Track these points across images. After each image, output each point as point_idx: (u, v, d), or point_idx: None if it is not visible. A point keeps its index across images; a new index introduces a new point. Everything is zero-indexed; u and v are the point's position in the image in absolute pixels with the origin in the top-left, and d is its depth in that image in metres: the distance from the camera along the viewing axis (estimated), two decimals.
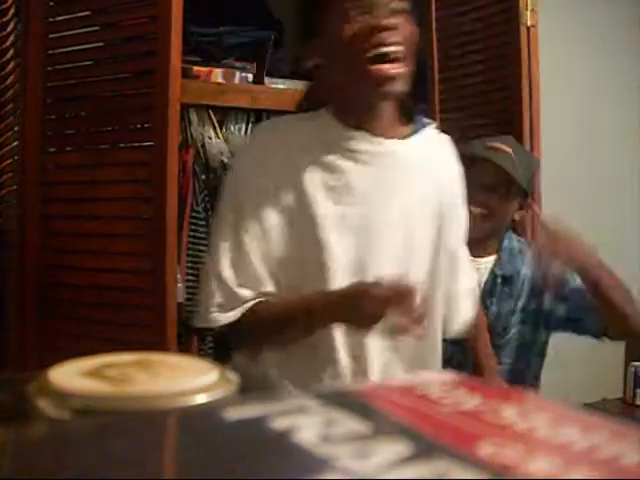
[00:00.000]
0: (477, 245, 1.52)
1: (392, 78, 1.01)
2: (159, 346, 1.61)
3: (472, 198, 1.33)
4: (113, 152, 1.78)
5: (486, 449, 0.27)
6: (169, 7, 1.66)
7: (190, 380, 0.45)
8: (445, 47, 2.29)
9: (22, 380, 0.46)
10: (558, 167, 2.73)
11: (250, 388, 0.46)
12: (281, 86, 2.38)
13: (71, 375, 0.45)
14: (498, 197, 1.62)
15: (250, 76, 2.32)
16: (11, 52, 1.83)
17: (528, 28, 2.08)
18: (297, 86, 2.41)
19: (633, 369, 2.80)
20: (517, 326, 1.66)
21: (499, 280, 1.67)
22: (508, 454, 0.27)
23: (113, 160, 1.77)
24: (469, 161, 1.39)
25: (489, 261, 1.68)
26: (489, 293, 1.66)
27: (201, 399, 0.43)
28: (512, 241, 1.72)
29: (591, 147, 2.83)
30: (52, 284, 1.81)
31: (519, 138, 2.07)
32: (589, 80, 2.81)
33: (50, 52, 1.83)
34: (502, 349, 1.63)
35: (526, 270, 1.66)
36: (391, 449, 0.26)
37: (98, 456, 0.27)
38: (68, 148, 1.85)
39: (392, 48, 1.00)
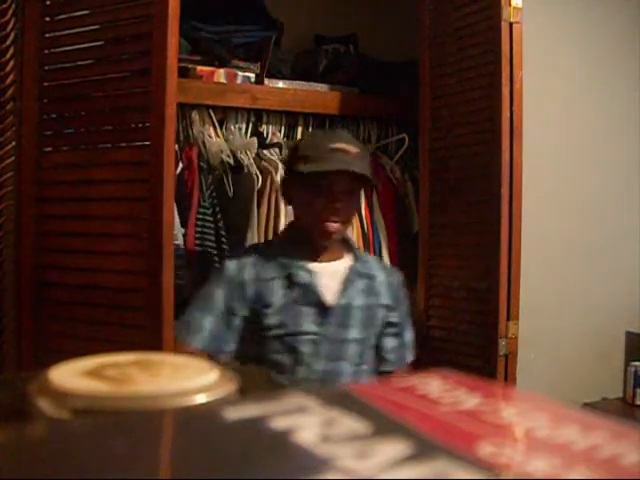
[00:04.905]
0: None
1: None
2: (155, 347, 1.61)
3: None
4: (110, 152, 1.77)
5: (486, 449, 0.27)
6: (165, 6, 1.66)
7: (190, 380, 0.45)
8: (433, 46, 2.30)
9: (22, 380, 0.46)
10: (556, 167, 2.73)
11: (250, 388, 0.46)
12: (281, 86, 2.39)
13: (71, 375, 0.45)
14: None
15: (252, 76, 2.32)
16: (11, 51, 1.83)
17: (511, 24, 2.07)
18: (296, 86, 2.42)
19: (633, 369, 2.80)
20: None
21: None
22: (508, 454, 0.27)
23: (110, 160, 1.77)
24: None
25: None
26: None
27: (201, 399, 0.43)
28: None
29: (589, 146, 2.83)
30: (48, 284, 1.81)
31: (499, 137, 2.06)
32: (586, 78, 2.81)
33: (46, 52, 1.83)
34: None
35: None
36: (391, 449, 0.26)
37: (98, 456, 0.27)
38: (64, 148, 1.85)
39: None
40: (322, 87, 2.47)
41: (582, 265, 2.76)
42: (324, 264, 1.69)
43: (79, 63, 1.82)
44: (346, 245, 1.77)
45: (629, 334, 2.90)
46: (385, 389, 0.34)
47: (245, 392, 0.45)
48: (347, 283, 1.69)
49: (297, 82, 2.42)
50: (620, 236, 2.87)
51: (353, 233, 2.37)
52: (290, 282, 1.64)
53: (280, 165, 2.28)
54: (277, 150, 2.38)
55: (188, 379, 0.45)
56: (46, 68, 1.83)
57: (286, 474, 0.25)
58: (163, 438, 0.31)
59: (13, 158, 1.84)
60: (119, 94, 1.77)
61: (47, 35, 1.82)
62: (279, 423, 0.29)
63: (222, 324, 1.63)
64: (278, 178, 2.25)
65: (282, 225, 2.24)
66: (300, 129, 2.49)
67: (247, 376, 0.49)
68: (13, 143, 1.85)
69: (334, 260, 1.71)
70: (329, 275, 1.68)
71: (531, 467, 0.26)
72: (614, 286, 2.82)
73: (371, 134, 2.61)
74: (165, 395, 0.43)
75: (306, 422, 0.29)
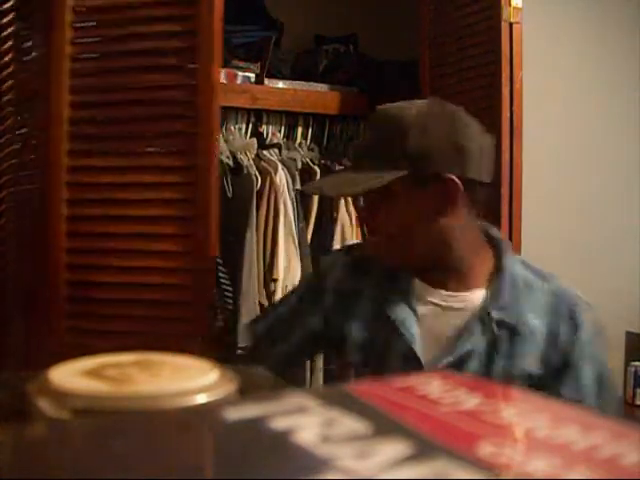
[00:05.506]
0: None
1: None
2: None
3: None
4: (153, 156, 1.79)
5: (486, 449, 0.27)
6: (211, 19, 1.71)
7: (190, 380, 0.45)
8: (433, 46, 2.31)
9: (22, 380, 0.46)
10: (556, 167, 2.73)
11: (250, 388, 0.46)
12: (281, 86, 2.39)
13: (71, 375, 0.45)
14: None
15: (252, 76, 2.32)
16: (11, 55, 1.83)
17: (511, 25, 2.07)
18: (296, 86, 2.42)
19: (633, 369, 2.80)
20: None
21: None
22: (508, 454, 0.27)
23: (154, 163, 1.79)
24: None
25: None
26: None
27: (201, 399, 0.43)
28: None
29: (589, 146, 2.83)
30: (97, 284, 1.82)
31: (499, 137, 2.06)
32: (586, 78, 2.81)
33: (81, 56, 1.79)
34: None
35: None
36: (391, 449, 0.26)
37: (98, 456, 0.27)
38: (102, 152, 1.82)
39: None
40: (322, 87, 2.47)
41: (582, 265, 2.76)
42: (445, 293, 1.15)
43: (116, 66, 1.80)
44: (494, 263, 1.16)
45: (629, 334, 2.89)
46: (385, 389, 0.34)
47: (245, 392, 0.45)
48: (464, 333, 1.10)
49: (297, 82, 2.42)
50: (620, 236, 2.87)
51: (353, 233, 2.36)
52: (381, 307, 1.16)
53: (280, 166, 2.28)
54: (277, 150, 2.38)
55: (188, 379, 0.45)
56: (77, 69, 1.79)
57: (286, 474, 0.25)
58: (163, 438, 0.31)
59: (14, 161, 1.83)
60: (160, 101, 1.78)
61: (78, 41, 1.79)
62: (279, 423, 0.29)
63: (290, 320, 1.26)
64: (277, 179, 2.25)
65: (281, 226, 2.23)
66: (300, 129, 2.48)
67: (247, 376, 0.49)
68: (14, 146, 1.84)
69: (463, 290, 1.14)
70: (448, 315, 1.13)
71: (531, 467, 0.26)
72: (614, 286, 2.81)
73: None
74: (165, 395, 0.43)
75: (306, 422, 0.29)
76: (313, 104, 2.42)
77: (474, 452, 0.27)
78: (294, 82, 2.42)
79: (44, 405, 0.42)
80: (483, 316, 1.10)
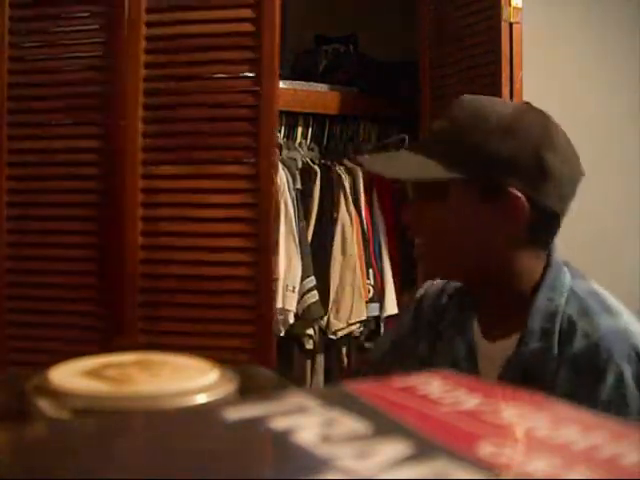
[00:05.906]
0: None
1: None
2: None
3: None
4: (219, 165, 1.99)
5: (486, 449, 0.27)
6: (272, 51, 1.92)
7: (190, 380, 0.45)
8: (433, 46, 2.31)
9: (22, 379, 0.46)
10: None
11: (251, 388, 0.46)
12: (281, 86, 2.38)
13: (71, 375, 0.45)
14: None
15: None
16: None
17: (511, 25, 2.07)
18: (296, 86, 2.41)
19: None
20: None
21: None
22: (508, 454, 0.27)
23: (219, 171, 1.99)
24: None
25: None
26: None
27: (201, 399, 0.43)
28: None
29: (589, 146, 2.83)
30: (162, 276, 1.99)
31: None
32: (586, 78, 2.81)
33: (148, 71, 1.95)
34: None
35: None
36: (391, 449, 0.26)
37: (98, 456, 0.27)
38: (170, 162, 1.99)
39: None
40: (322, 87, 2.46)
41: (582, 265, 2.75)
42: (488, 345, 1.03)
43: (185, 87, 1.98)
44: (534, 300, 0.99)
45: None
46: (385, 389, 0.34)
47: (245, 392, 0.45)
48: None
49: (297, 82, 2.42)
50: (620, 236, 2.87)
51: (353, 233, 2.36)
52: (448, 344, 1.07)
53: (280, 165, 2.28)
54: (277, 150, 2.38)
55: (188, 379, 0.45)
56: (150, 88, 1.95)
57: (286, 474, 0.25)
58: (163, 438, 0.31)
59: None
60: (229, 117, 1.98)
61: (151, 64, 1.95)
62: (279, 423, 0.29)
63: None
64: (277, 178, 2.25)
65: (282, 225, 2.23)
66: (300, 129, 2.48)
67: (247, 376, 0.49)
68: None
69: (502, 337, 1.01)
70: (488, 362, 1.01)
71: (531, 467, 0.26)
72: (614, 286, 2.81)
73: (371, 134, 2.61)
74: (165, 395, 0.43)
75: (306, 422, 0.29)
76: (313, 104, 2.42)
77: (474, 452, 0.27)
78: (294, 82, 2.42)
79: (44, 405, 0.42)
80: (507, 369, 0.97)
